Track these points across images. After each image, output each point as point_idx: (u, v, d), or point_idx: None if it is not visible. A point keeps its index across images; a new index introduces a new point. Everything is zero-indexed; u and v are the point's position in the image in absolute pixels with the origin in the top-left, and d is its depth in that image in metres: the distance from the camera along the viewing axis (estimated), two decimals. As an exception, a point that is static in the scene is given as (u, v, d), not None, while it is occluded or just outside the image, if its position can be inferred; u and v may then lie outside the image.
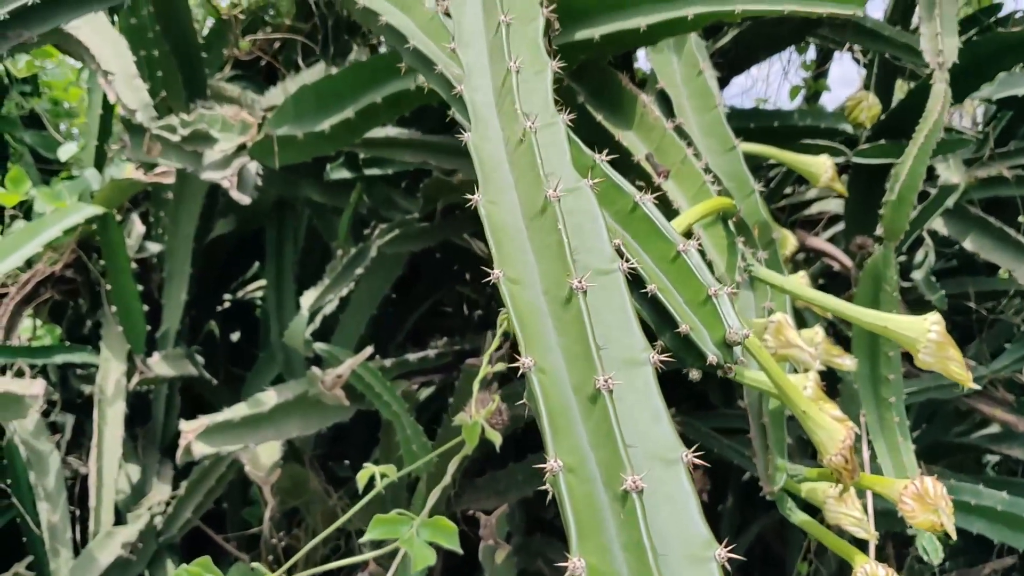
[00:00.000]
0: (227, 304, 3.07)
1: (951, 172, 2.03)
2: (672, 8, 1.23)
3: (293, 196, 2.10)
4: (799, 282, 1.40)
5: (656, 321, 0.71)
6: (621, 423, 0.52)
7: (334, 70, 1.47)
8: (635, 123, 1.27)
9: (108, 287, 1.99)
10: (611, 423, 0.52)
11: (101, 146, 2.33)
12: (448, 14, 0.88)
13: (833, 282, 2.48)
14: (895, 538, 2.33)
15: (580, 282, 0.57)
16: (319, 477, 2.27)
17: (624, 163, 1.25)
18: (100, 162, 2.34)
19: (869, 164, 2.06)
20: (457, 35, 0.84)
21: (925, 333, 1.03)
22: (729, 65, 2.02)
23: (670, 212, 1.19)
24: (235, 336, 3.10)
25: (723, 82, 2.01)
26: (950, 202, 2.01)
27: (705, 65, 1.45)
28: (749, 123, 1.85)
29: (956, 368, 1.04)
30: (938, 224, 2.20)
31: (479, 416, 1.36)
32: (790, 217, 2.62)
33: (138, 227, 2.29)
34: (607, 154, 0.76)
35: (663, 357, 0.59)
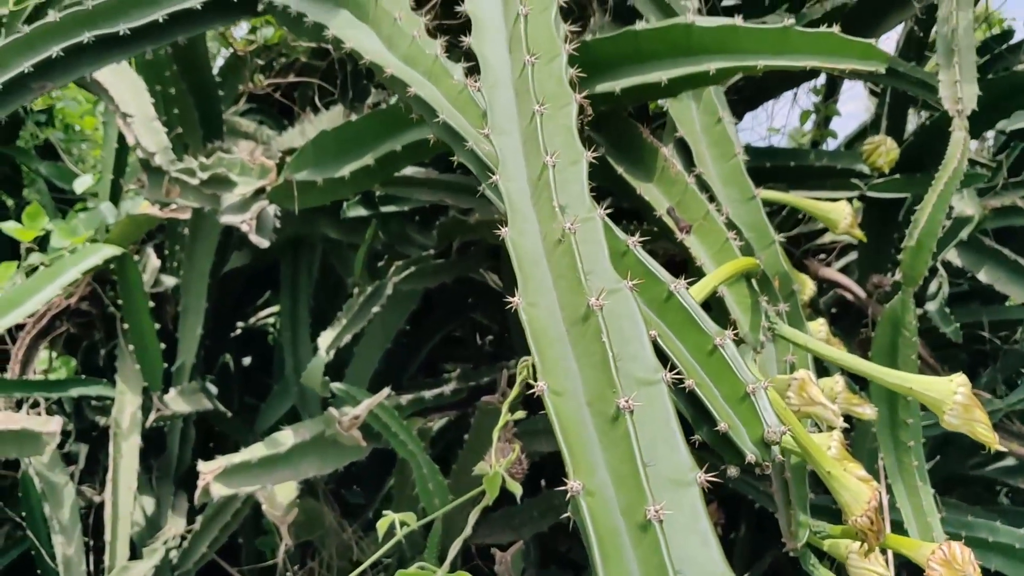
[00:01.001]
0: (239, 330, 3.08)
1: (965, 204, 2.03)
2: (693, 63, 1.23)
3: (309, 233, 2.10)
4: (821, 337, 1.40)
5: (693, 415, 0.71)
6: (671, 550, 0.52)
7: (354, 117, 1.48)
8: (656, 176, 1.27)
9: (126, 326, 2.00)
10: (663, 556, 0.52)
11: (117, 180, 2.34)
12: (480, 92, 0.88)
13: (846, 312, 2.48)
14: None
15: (627, 402, 0.58)
16: (334, 511, 2.28)
17: (646, 216, 1.25)
18: (115, 195, 2.35)
19: (883, 198, 2.07)
20: (490, 119, 0.85)
21: (951, 395, 1.03)
22: (744, 101, 2.03)
23: (693, 269, 1.19)
24: (246, 360, 3.11)
25: (736, 116, 2.02)
26: (964, 234, 2.01)
27: (724, 113, 1.45)
28: (765, 162, 1.85)
29: (983, 430, 1.04)
30: (952, 255, 2.20)
31: (500, 467, 1.36)
32: (803, 246, 2.61)
33: (153, 260, 2.30)
34: (640, 234, 0.77)
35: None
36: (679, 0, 1.55)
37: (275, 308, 3.19)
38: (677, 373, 0.65)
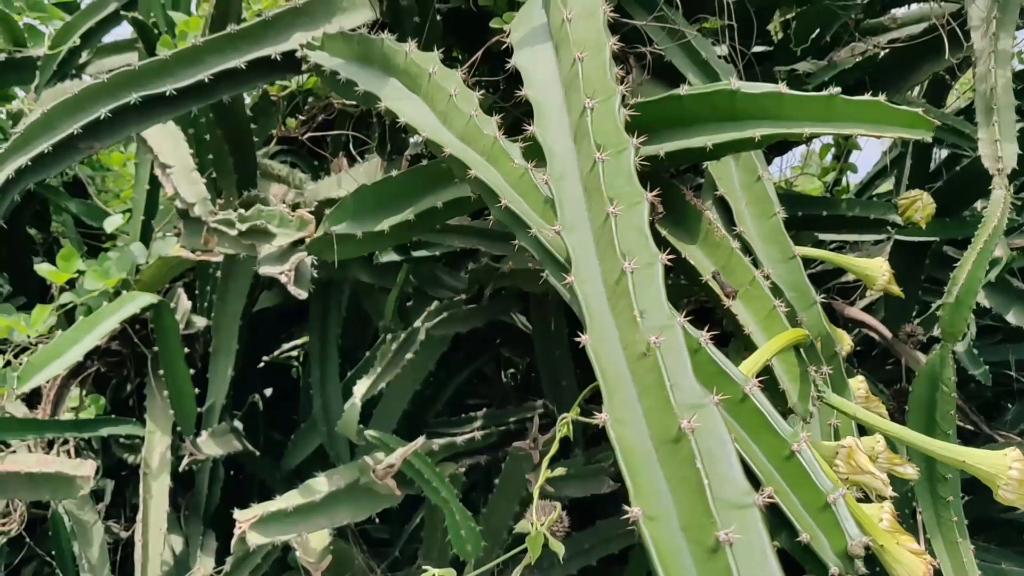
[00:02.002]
0: (262, 363, 3.09)
1: (993, 246, 2.02)
2: (738, 128, 1.24)
3: (341, 277, 2.12)
4: (861, 395, 1.40)
5: (772, 521, 0.72)
6: None
7: (394, 172, 1.49)
8: (700, 238, 1.28)
9: (161, 372, 2.01)
10: None
11: (148, 220, 2.36)
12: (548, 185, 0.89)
13: (870, 349, 2.48)
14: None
15: (727, 535, 0.58)
16: (362, 552, 2.28)
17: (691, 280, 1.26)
18: (146, 236, 2.37)
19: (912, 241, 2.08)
20: (560, 215, 0.85)
21: (1005, 470, 1.03)
22: (774, 147, 2.04)
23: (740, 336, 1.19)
24: (267, 390, 3.12)
25: (767, 160, 2.03)
26: (992, 275, 2.02)
27: (763, 171, 1.46)
28: (797, 211, 1.86)
29: (1037, 505, 1.04)
30: (979, 296, 2.19)
31: (542, 526, 1.37)
32: (827, 283, 2.62)
33: (184, 302, 2.31)
34: (707, 330, 0.77)
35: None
36: (717, 58, 1.56)
37: (298, 341, 3.20)
38: (758, 484, 0.65)
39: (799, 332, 1.07)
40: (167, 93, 1.41)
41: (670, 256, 0.78)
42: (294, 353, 3.27)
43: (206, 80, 1.42)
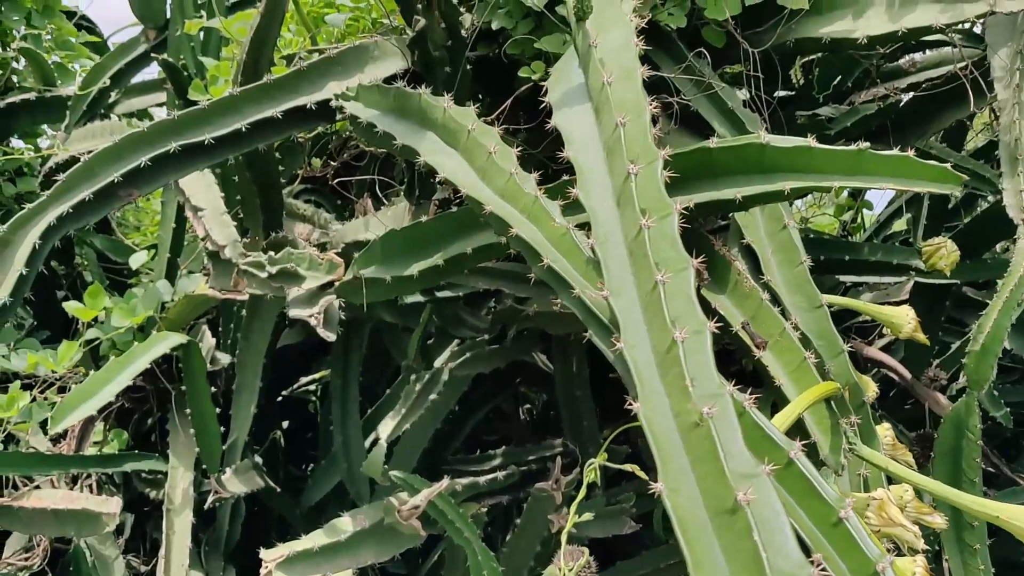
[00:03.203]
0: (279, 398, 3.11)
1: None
2: (768, 180, 1.25)
3: (366, 317, 2.13)
4: (887, 442, 1.41)
5: (821, 589, 0.73)
6: None
7: (424, 218, 1.51)
8: (729, 289, 1.30)
9: (187, 410, 2.03)
10: None
11: (174, 258, 2.38)
12: (593, 251, 0.91)
13: (888, 388, 2.48)
14: None
15: None
16: (383, 592, 2.28)
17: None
18: (171, 273, 2.40)
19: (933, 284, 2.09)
20: (607, 279, 0.87)
21: (1039, 526, 1.04)
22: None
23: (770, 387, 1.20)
24: (283, 423, 3.14)
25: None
26: (1013, 317, 2.02)
27: (789, 219, 1.48)
28: (819, 255, 1.87)
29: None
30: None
31: (571, 572, 1.38)
32: (846, 323, 2.62)
33: (208, 338, 2.33)
34: (753, 393, 0.79)
35: None
36: (742, 108, 1.59)
37: (315, 376, 3.22)
38: (808, 551, 0.67)
39: (830, 385, 1.09)
40: (205, 142, 1.44)
41: (717, 324, 0.79)
42: (311, 387, 3.29)
43: (243, 129, 1.45)
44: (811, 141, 1.25)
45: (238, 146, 1.48)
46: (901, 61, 2.15)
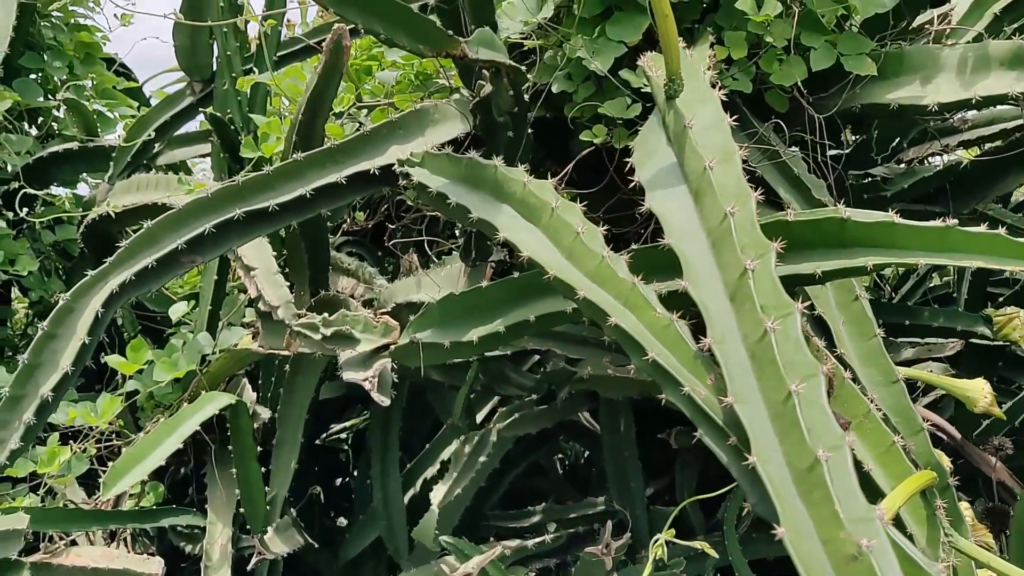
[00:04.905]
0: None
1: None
2: (848, 255, 1.22)
3: (412, 376, 2.11)
4: (968, 522, 1.37)
5: None
6: None
7: (483, 283, 1.49)
8: (807, 366, 1.26)
9: (234, 469, 2.00)
10: None
11: (215, 310, 2.37)
12: (709, 351, 0.88)
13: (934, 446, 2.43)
14: None
15: None
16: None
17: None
18: (212, 325, 2.38)
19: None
20: (730, 385, 0.84)
21: None
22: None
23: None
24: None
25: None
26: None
27: (860, 290, 1.45)
28: (878, 319, 1.84)
29: None
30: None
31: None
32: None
33: (249, 392, 2.31)
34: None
35: None
36: (807, 174, 1.56)
37: (347, 424, 3.19)
38: None
39: (928, 475, 1.05)
40: (270, 208, 1.42)
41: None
42: (342, 435, 3.26)
43: (307, 195, 1.43)
44: (894, 216, 1.23)
45: (302, 212, 1.46)
46: (953, 119, 2.13)
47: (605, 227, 1.13)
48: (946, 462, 1.51)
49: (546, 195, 1.20)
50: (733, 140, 1.07)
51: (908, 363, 2.58)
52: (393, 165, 1.48)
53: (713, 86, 1.24)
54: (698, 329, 0.97)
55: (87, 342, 1.41)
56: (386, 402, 1.66)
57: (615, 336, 1.00)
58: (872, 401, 1.25)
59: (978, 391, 1.47)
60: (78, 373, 1.43)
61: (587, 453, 2.93)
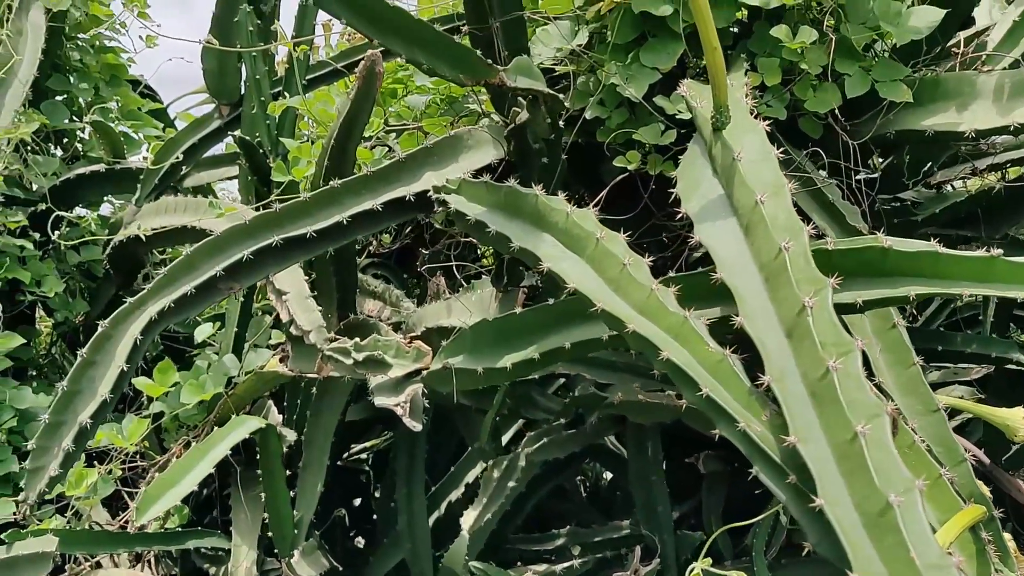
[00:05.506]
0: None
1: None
2: (890, 285, 1.21)
3: (438, 398, 2.10)
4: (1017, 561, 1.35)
5: None
6: None
7: (517, 310, 1.49)
8: (848, 395, 1.25)
9: (262, 493, 2.00)
10: None
11: (241, 332, 2.37)
12: (768, 390, 0.87)
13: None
14: None
15: None
16: None
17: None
18: (238, 346, 2.38)
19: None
20: (791, 423, 0.84)
21: None
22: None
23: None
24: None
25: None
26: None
27: (898, 317, 1.44)
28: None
29: None
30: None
31: None
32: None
33: (275, 414, 2.30)
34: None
35: None
36: (842, 200, 1.56)
37: (367, 444, 3.19)
38: None
39: (978, 510, 1.04)
40: (307, 235, 1.43)
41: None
42: (363, 455, 3.25)
43: (344, 222, 1.44)
44: (937, 246, 1.22)
45: (339, 238, 1.47)
46: (983, 142, 2.12)
47: (650, 259, 1.13)
48: (985, 491, 1.50)
49: (589, 225, 1.19)
50: (781, 173, 1.06)
51: (934, 387, 2.57)
52: (428, 191, 1.48)
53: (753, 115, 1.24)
54: (748, 364, 0.97)
55: (125, 369, 1.42)
56: (418, 427, 1.66)
57: (666, 370, 1.00)
58: (915, 431, 1.24)
59: (1018, 420, 1.46)
60: (116, 400, 1.44)
61: (608, 474, 2.91)
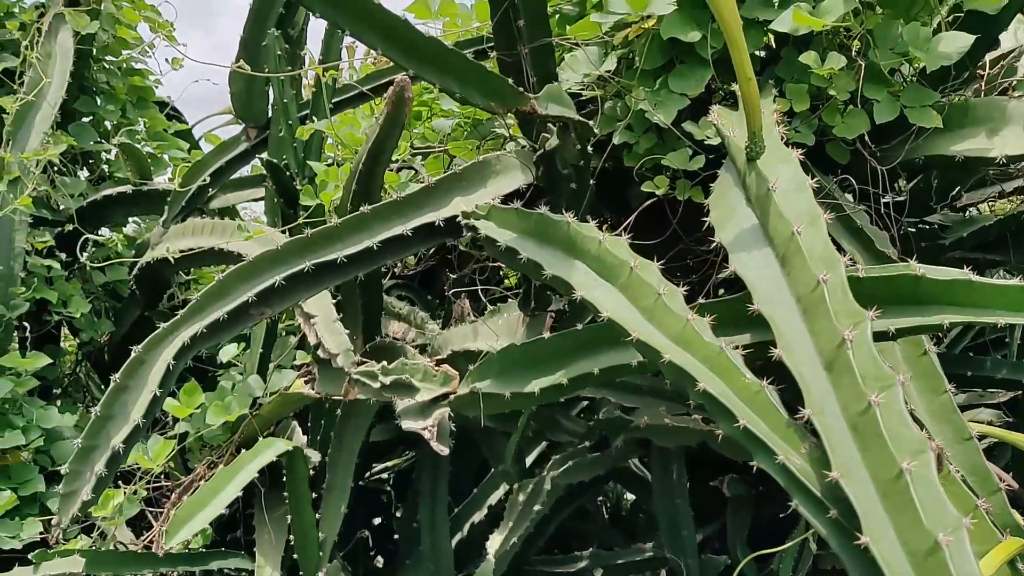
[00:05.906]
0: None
1: None
2: (923, 313, 1.21)
3: (462, 422, 2.11)
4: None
5: None
6: None
7: (545, 335, 1.49)
8: (881, 423, 1.25)
9: (280, 511, 2.01)
10: None
11: (267, 352, 2.38)
12: (809, 424, 0.88)
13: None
14: None
15: None
16: None
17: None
18: (263, 367, 2.39)
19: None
20: (834, 459, 0.83)
21: None
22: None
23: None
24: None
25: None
26: None
27: (929, 344, 1.43)
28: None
29: None
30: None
31: None
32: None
33: (299, 436, 2.31)
34: None
35: None
36: (870, 226, 1.56)
37: (388, 464, 3.19)
38: None
39: (1019, 542, 1.03)
40: (338, 260, 1.44)
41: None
42: (383, 475, 3.25)
43: (374, 247, 1.44)
44: (971, 274, 1.21)
45: (369, 264, 1.48)
46: (1010, 166, 2.11)
47: (685, 287, 1.13)
48: (1022, 522, 1.49)
49: (623, 253, 1.20)
50: (816, 203, 1.06)
51: (961, 409, 2.55)
52: (457, 217, 1.49)
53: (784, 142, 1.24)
54: (783, 394, 0.97)
55: (158, 394, 1.43)
56: (445, 451, 1.67)
57: (703, 401, 1.00)
58: (949, 461, 1.23)
59: (1050, 449, 1.45)
60: (148, 425, 1.45)
61: (629, 496, 2.90)
